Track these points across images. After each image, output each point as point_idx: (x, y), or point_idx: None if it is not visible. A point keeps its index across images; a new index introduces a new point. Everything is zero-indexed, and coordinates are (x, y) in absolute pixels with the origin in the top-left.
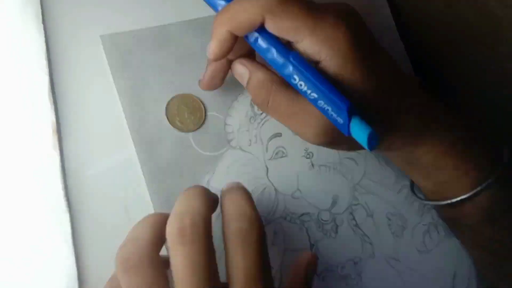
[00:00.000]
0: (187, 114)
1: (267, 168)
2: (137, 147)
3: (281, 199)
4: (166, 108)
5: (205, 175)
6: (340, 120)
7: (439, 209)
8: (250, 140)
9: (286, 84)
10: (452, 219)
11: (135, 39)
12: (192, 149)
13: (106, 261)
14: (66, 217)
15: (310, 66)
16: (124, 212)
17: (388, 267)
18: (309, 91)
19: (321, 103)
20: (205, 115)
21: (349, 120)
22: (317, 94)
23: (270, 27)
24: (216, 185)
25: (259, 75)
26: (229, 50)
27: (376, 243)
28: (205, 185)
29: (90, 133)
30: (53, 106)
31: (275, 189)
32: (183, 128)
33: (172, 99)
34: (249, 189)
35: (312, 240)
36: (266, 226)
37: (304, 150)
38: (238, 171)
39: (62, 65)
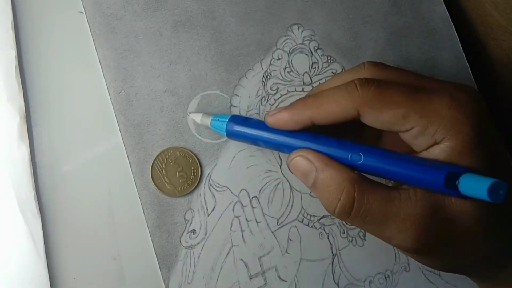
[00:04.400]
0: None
1: (281, 160)
2: (124, 133)
3: (297, 197)
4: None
5: (205, 168)
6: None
7: None
8: None
9: (372, 181)
10: None
11: (123, 0)
12: (190, 135)
13: (85, 274)
14: (37, 222)
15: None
16: (108, 215)
17: (426, 283)
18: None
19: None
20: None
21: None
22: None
23: (368, 120)
24: (219, 180)
25: (333, 173)
26: (296, 130)
27: None
28: (204, 179)
29: (66, 119)
30: (21, 88)
31: (290, 186)
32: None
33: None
34: (259, 185)
35: (335, 248)
36: (279, 229)
37: None
38: (246, 163)
39: (32, 36)
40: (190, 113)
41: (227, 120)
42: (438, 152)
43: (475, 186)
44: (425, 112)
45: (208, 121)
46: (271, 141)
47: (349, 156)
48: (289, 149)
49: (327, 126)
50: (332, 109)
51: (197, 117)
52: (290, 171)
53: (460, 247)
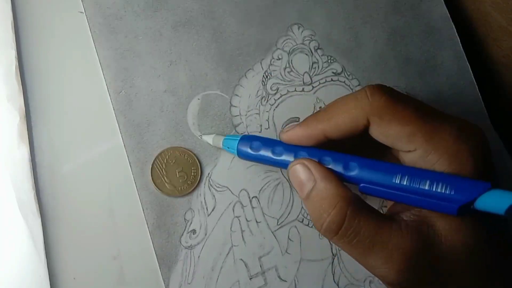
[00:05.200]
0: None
1: None
2: (124, 133)
3: (297, 198)
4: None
5: (205, 168)
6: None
7: None
8: (260, 125)
9: (364, 204)
10: None
11: (123, 1)
12: (190, 135)
13: (85, 274)
14: (37, 222)
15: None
16: (108, 215)
17: None
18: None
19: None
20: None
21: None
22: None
23: (374, 132)
24: (219, 180)
25: (329, 187)
26: (311, 145)
27: None
28: (204, 179)
29: (66, 119)
30: (21, 88)
31: (290, 186)
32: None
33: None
34: (259, 185)
35: (335, 248)
36: (279, 229)
37: None
38: (245, 163)
39: (32, 36)
40: (202, 135)
41: (238, 140)
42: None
43: (495, 201)
44: (432, 137)
45: (220, 142)
46: (279, 162)
47: (347, 165)
48: None
49: (340, 142)
50: (342, 120)
51: (209, 139)
52: (289, 178)
53: (445, 286)
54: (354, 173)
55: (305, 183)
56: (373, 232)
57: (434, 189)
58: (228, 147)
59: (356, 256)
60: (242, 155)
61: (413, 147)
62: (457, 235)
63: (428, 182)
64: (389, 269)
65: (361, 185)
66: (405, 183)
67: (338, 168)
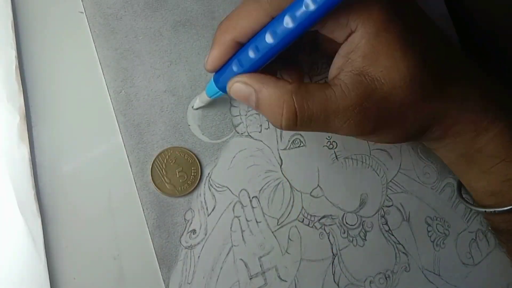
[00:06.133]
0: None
1: (281, 160)
2: (124, 133)
3: (297, 197)
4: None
5: (205, 168)
6: None
7: (492, 218)
8: (260, 125)
9: (306, 86)
10: (510, 231)
11: (123, 1)
12: (190, 135)
13: (85, 274)
14: (37, 222)
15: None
16: (108, 215)
17: (426, 283)
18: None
19: None
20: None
21: None
22: None
23: None
24: (219, 180)
25: (271, 90)
26: (230, 57)
27: (412, 253)
28: (204, 179)
29: (66, 119)
30: (21, 88)
31: (291, 186)
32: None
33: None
34: (259, 185)
35: (335, 248)
36: (279, 229)
37: (326, 139)
38: (246, 163)
39: (32, 36)
40: (193, 107)
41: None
42: (358, 39)
43: None
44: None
45: (204, 95)
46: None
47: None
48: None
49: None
50: (248, 23)
51: (196, 102)
52: (233, 98)
53: (402, 118)
54: (315, 6)
55: (248, 97)
56: (323, 106)
57: None
58: (213, 94)
59: (319, 130)
60: (219, 83)
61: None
62: (392, 72)
63: None
64: (348, 126)
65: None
66: None
67: (302, 15)
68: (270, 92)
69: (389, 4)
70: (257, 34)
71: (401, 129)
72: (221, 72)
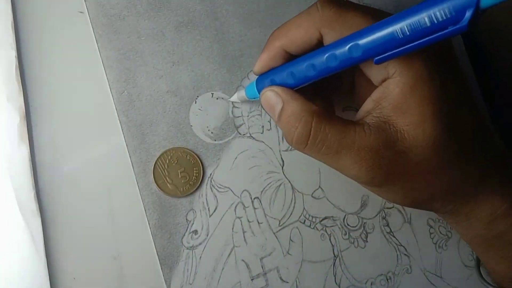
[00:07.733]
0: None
1: (283, 161)
2: (126, 134)
3: (299, 199)
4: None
5: (207, 168)
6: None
7: None
8: (262, 127)
9: (331, 114)
10: None
11: (126, 1)
12: (192, 136)
13: (85, 274)
14: (37, 222)
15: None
16: (109, 215)
17: (427, 284)
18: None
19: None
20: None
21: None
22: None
23: (328, 42)
24: (221, 181)
25: (295, 105)
26: (276, 65)
27: (414, 255)
28: (206, 180)
29: (66, 119)
30: (21, 88)
31: (292, 187)
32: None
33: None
34: (261, 186)
35: (336, 250)
36: (281, 230)
37: None
38: (248, 164)
39: (32, 36)
40: (230, 100)
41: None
42: (392, 87)
43: None
44: None
45: (242, 93)
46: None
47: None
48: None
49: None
50: (297, 34)
51: (234, 96)
52: (262, 105)
53: (416, 180)
54: (358, 53)
55: (274, 106)
56: (339, 137)
57: (435, 20)
58: (252, 96)
59: (328, 161)
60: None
61: None
62: (418, 129)
63: (426, 18)
64: (359, 168)
65: (375, 59)
66: (407, 32)
67: (344, 55)
68: (294, 107)
69: (433, 59)
70: (314, 52)
71: (412, 191)
72: (263, 77)
